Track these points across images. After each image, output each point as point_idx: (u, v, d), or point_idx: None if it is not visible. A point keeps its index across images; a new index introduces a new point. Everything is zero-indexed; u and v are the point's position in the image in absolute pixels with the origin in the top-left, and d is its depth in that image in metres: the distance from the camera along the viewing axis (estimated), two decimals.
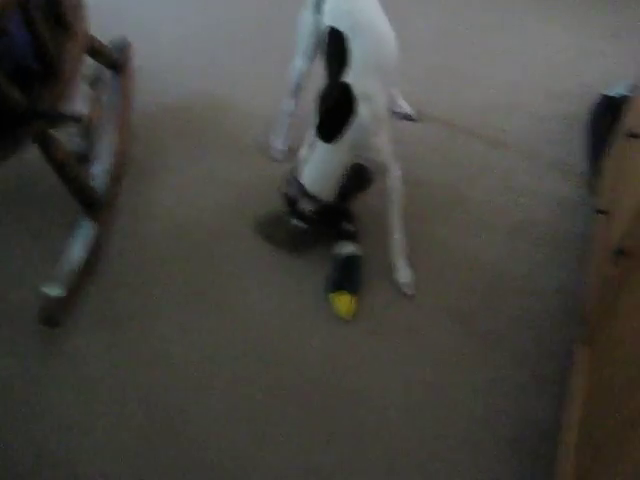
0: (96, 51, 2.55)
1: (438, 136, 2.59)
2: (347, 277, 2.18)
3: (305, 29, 2.29)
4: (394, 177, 2.17)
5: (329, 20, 2.13)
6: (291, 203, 2.15)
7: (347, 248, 2.23)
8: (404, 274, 2.22)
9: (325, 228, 2.28)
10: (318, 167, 2.09)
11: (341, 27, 2.07)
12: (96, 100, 2.41)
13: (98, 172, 2.54)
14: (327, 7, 2.17)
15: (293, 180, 2.12)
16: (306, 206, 2.10)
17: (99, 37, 2.65)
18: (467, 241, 2.35)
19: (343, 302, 2.13)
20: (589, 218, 2.34)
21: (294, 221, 2.23)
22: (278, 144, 2.59)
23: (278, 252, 2.33)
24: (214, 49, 3.04)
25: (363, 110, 2.00)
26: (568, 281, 2.23)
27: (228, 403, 2.05)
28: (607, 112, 2.52)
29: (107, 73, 2.72)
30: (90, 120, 2.37)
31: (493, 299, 2.21)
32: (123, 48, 2.86)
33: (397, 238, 2.21)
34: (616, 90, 2.59)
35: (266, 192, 2.51)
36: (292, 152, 2.53)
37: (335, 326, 2.18)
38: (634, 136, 1.67)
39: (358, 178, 2.23)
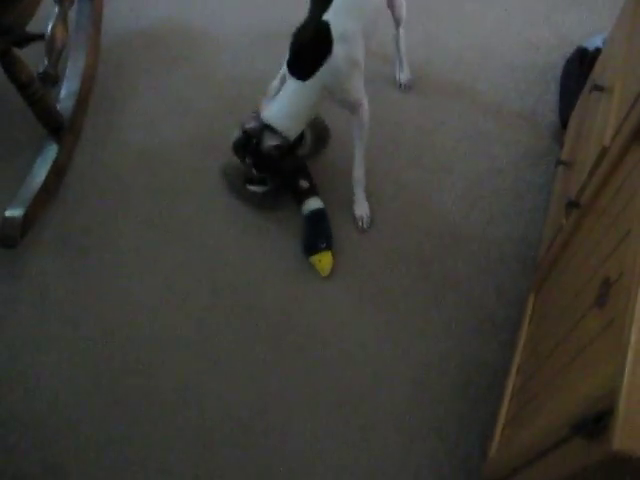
0: None
1: (412, 78, 2.56)
2: (319, 234, 2.19)
3: None
4: (362, 114, 2.15)
5: None
6: (248, 140, 2.09)
7: (311, 204, 2.23)
8: (360, 207, 2.26)
9: (281, 186, 2.26)
10: (287, 102, 2.05)
11: None
12: (63, 20, 2.34)
13: (64, 95, 2.49)
14: None
15: (256, 115, 2.09)
16: (268, 141, 2.07)
17: None
18: (431, 185, 2.35)
19: (324, 262, 2.15)
20: (552, 170, 2.36)
21: (251, 188, 2.22)
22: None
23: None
24: None
25: (339, 51, 1.96)
26: (528, 231, 2.26)
27: (182, 332, 2.08)
28: (581, 64, 2.50)
29: None
30: (57, 40, 2.30)
31: (453, 245, 2.24)
32: None
33: (358, 173, 2.23)
34: (593, 43, 2.56)
35: (234, 124, 2.48)
36: None
37: (293, 270, 2.20)
38: (597, 89, 1.67)
39: (318, 137, 2.25)
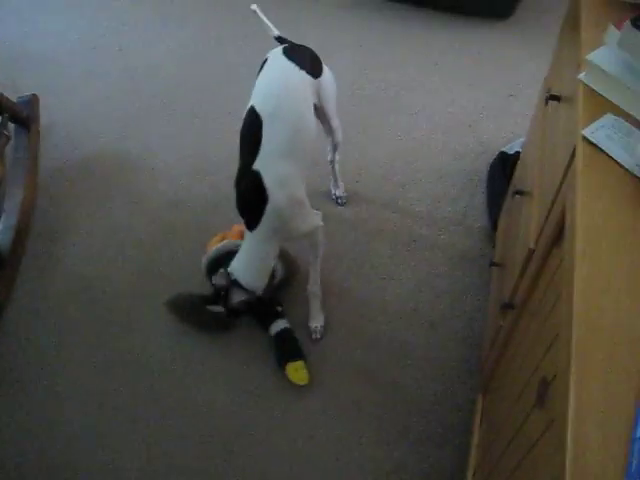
0: (1, 105, 2.52)
1: (346, 194, 2.66)
2: (293, 347, 2.21)
3: None
4: (317, 236, 2.18)
5: (253, 97, 2.03)
6: (218, 294, 2.10)
7: (279, 325, 2.25)
8: (316, 319, 2.29)
9: (257, 315, 2.28)
10: (246, 257, 2.05)
11: (262, 110, 1.96)
12: (0, 156, 2.38)
13: (2, 229, 2.49)
14: (258, 81, 2.09)
15: (224, 272, 2.08)
16: (236, 297, 2.07)
17: (8, 93, 2.64)
18: (373, 294, 2.40)
19: (301, 371, 2.16)
20: (488, 269, 2.44)
21: (212, 307, 2.18)
22: None
23: None
24: (129, 108, 3.06)
25: (276, 197, 1.93)
26: (471, 332, 2.30)
27: (127, 464, 2.01)
28: (504, 168, 2.64)
29: (12, 128, 2.69)
30: None
31: (398, 352, 2.26)
32: (30, 103, 2.85)
33: (315, 287, 2.26)
34: (513, 147, 2.72)
35: (174, 251, 2.51)
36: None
37: (241, 381, 2.19)
38: (518, 192, 1.77)
39: (287, 270, 2.28)
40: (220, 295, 2.09)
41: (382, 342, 2.28)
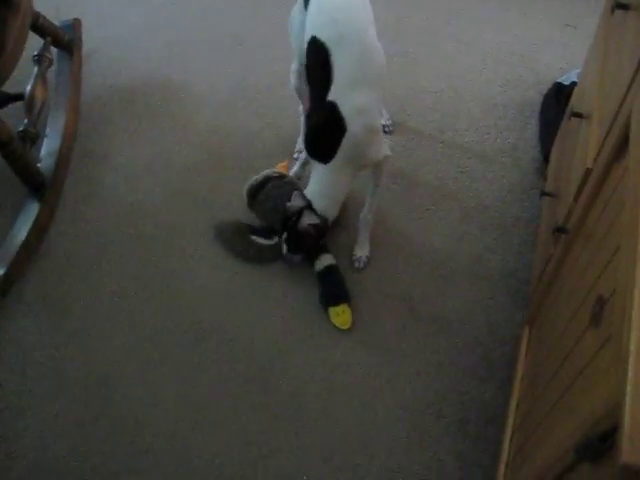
0: (42, 28, 2.49)
1: (392, 122, 2.57)
2: (338, 287, 2.16)
3: (296, 29, 2.08)
4: (384, 165, 2.12)
5: (312, 28, 1.93)
6: (288, 218, 2.08)
7: (324, 260, 2.19)
8: (363, 249, 2.24)
9: (309, 251, 2.21)
10: (319, 185, 2.03)
11: (326, 39, 1.88)
12: (42, 80, 2.35)
13: (45, 153, 2.48)
14: (311, 10, 1.97)
15: (299, 193, 2.07)
16: (308, 219, 2.04)
17: (51, 17, 2.60)
18: (419, 225, 2.34)
19: (345, 315, 2.11)
20: (537, 203, 2.35)
21: (257, 240, 2.21)
22: (294, 164, 2.45)
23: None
24: (172, 33, 2.99)
25: (354, 127, 1.89)
26: (517, 265, 2.24)
27: (168, 386, 2.03)
28: (559, 99, 2.52)
29: (54, 52, 2.66)
30: (36, 100, 2.31)
31: (443, 284, 2.21)
32: (73, 28, 2.80)
33: (370, 216, 2.21)
34: (569, 78, 2.59)
35: (218, 177, 2.48)
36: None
37: (284, 312, 2.17)
38: (576, 115, 1.67)
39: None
40: (289, 219, 2.06)
41: (426, 274, 2.23)
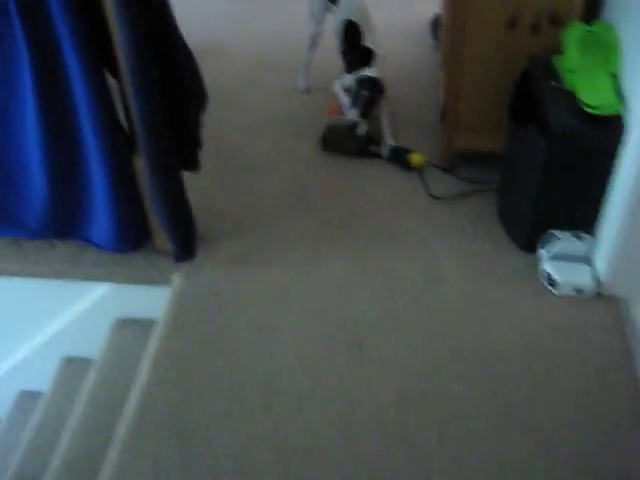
0: None
1: None
2: (402, 150, 2.75)
3: (318, 2, 3.02)
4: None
5: (343, 15, 2.94)
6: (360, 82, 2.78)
7: (387, 147, 2.78)
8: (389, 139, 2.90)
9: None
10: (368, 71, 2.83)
11: (355, 20, 2.91)
12: None
13: None
14: (342, 7, 2.96)
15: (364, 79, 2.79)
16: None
17: None
18: None
19: (416, 157, 2.68)
20: None
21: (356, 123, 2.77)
22: (300, 83, 3.23)
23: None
24: None
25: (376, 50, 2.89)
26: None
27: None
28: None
29: None
30: None
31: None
32: None
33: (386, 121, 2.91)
34: None
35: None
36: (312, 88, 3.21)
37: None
38: None
39: (374, 87, 2.84)
40: (361, 84, 2.77)
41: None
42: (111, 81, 1.94)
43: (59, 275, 2.32)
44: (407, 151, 2.70)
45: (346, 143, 2.79)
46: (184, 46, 2.01)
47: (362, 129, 2.74)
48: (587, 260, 2.09)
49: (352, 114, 2.75)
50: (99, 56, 1.85)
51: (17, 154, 2.08)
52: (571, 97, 1.97)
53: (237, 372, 1.95)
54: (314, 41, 3.09)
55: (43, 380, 2.64)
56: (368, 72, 2.80)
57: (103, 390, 2.25)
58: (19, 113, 1.97)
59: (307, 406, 1.85)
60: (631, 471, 1.67)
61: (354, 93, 2.78)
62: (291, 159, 2.79)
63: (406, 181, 2.61)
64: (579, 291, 2.03)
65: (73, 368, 2.62)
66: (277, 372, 1.93)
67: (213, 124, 2.42)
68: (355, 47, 2.92)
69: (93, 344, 2.45)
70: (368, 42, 2.90)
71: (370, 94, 2.74)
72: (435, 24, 3.43)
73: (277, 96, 3.17)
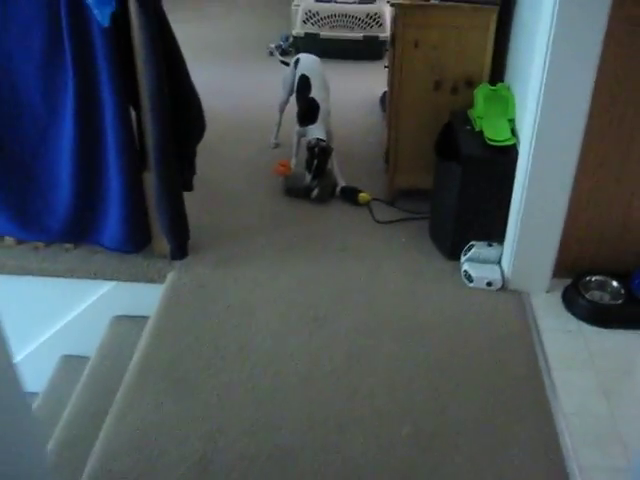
0: None
1: None
2: (352, 191, 3.32)
3: (288, 78, 3.64)
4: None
5: (300, 71, 3.57)
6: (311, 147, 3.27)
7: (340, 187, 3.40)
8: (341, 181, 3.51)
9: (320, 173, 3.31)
10: (317, 132, 3.31)
11: (307, 73, 3.51)
12: None
13: None
14: (300, 65, 3.61)
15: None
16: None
17: None
18: None
19: (363, 197, 3.26)
20: None
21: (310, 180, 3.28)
22: (272, 139, 3.81)
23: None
24: None
25: (322, 105, 3.40)
26: None
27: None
28: None
29: None
30: None
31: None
32: None
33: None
34: None
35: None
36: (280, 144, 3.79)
37: None
38: None
39: (323, 153, 3.39)
40: (312, 149, 3.25)
41: None
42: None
43: (72, 273, 2.84)
44: (357, 191, 3.32)
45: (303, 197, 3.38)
46: (192, 87, 2.63)
47: (315, 193, 3.30)
48: (497, 262, 2.71)
49: (307, 179, 3.30)
50: (127, 92, 2.46)
51: (50, 169, 2.64)
52: (479, 136, 2.65)
53: (220, 337, 2.50)
54: (282, 107, 3.74)
55: (43, 380, 3.01)
56: (316, 132, 3.33)
57: (98, 381, 2.67)
58: (58, 134, 2.55)
59: (276, 361, 2.40)
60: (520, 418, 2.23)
61: (306, 162, 3.31)
62: (263, 192, 3.41)
63: (356, 212, 3.25)
64: (489, 284, 2.64)
65: (71, 366, 3.02)
66: (252, 338, 2.50)
67: (203, 164, 2.99)
68: (304, 97, 3.49)
69: (92, 342, 2.88)
70: (314, 94, 3.44)
71: (319, 162, 3.26)
72: (383, 99, 4.13)
73: (253, 149, 3.83)
